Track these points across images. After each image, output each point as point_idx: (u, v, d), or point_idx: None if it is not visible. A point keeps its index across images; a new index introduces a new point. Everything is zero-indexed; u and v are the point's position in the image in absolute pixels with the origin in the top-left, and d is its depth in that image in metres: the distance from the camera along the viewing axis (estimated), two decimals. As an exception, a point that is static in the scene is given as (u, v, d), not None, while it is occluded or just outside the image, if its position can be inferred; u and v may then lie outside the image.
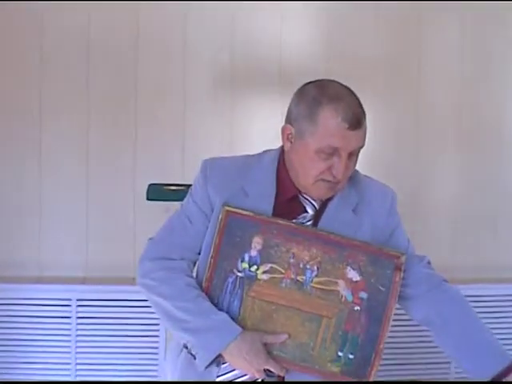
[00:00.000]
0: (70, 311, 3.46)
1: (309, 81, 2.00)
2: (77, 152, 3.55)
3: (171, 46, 3.58)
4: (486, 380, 1.92)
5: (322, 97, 1.88)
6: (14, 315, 3.55)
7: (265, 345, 1.89)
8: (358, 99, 1.92)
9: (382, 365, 1.98)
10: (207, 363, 1.87)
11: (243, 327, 1.89)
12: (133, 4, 3.47)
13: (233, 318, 1.90)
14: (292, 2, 3.56)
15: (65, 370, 3.55)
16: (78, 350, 3.51)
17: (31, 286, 3.50)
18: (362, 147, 1.93)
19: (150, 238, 2.07)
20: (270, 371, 1.91)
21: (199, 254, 2.02)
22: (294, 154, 1.95)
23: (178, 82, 3.61)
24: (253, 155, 2.09)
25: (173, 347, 2.12)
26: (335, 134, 1.86)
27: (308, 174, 1.92)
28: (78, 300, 3.45)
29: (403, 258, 1.95)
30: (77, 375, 3.54)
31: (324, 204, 2.01)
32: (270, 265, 1.92)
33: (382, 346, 1.93)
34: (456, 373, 3.58)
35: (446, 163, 3.78)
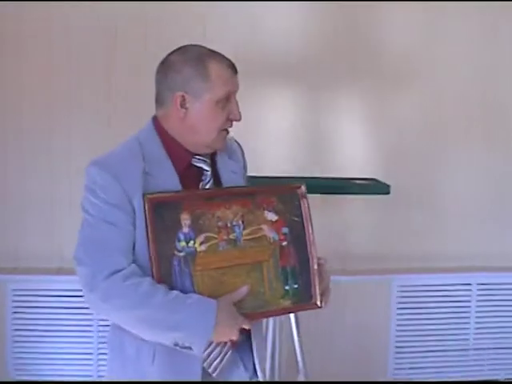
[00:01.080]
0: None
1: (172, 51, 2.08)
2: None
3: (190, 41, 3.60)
4: None
5: (201, 56, 2.03)
6: (36, 306, 3.61)
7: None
8: None
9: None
10: (204, 347, 1.92)
11: None
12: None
13: None
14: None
15: (86, 359, 3.61)
16: (100, 340, 3.56)
17: (53, 277, 3.56)
18: None
19: (79, 265, 1.96)
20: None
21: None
22: (193, 116, 2.02)
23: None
24: (127, 141, 2.08)
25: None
26: (228, 80, 2.03)
27: (212, 128, 2.04)
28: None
29: (303, 188, 2.15)
30: (99, 365, 3.60)
31: (211, 160, 2.14)
32: (203, 235, 1.99)
33: (315, 266, 2.13)
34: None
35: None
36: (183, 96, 2.00)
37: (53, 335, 3.61)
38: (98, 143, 3.30)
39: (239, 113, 2.07)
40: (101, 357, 3.56)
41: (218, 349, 2.00)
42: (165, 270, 1.94)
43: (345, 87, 3.79)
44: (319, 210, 3.72)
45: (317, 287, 2.12)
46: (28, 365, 3.65)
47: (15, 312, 3.64)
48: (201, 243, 1.98)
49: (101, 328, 3.56)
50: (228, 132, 2.11)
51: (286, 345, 3.17)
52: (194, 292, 1.95)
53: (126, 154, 2.03)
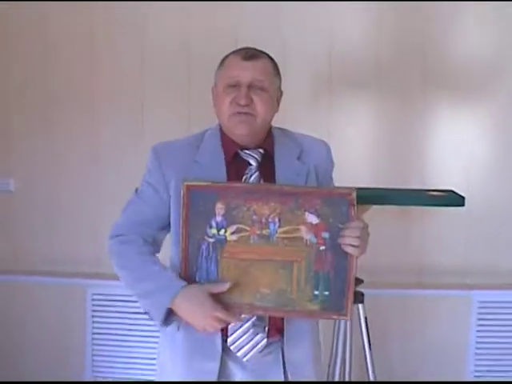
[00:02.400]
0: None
1: None
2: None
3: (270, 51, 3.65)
4: None
5: (230, 53, 2.20)
6: (116, 310, 3.69)
7: (214, 295, 2.03)
8: (260, 51, 2.21)
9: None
10: (160, 321, 2.06)
11: None
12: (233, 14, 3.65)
13: (213, 281, 2.05)
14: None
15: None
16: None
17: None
18: (264, 82, 2.15)
19: (116, 221, 2.26)
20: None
21: (161, 228, 2.20)
22: (217, 104, 2.20)
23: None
24: (196, 134, 2.28)
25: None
26: (232, 65, 2.15)
27: (223, 113, 2.16)
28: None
29: (354, 194, 2.06)
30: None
31: (267, 157, 2.20)
32: (235, 226, 2.05)
33: (352, 277, 2.07)
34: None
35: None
36: (213, 88, 2.22)
37: (131, 340, 3.68)
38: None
39: (243, 97, 2.10)
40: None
41: (248, 335, 2.13)
42: (192, 251, 2.06)
43: (425, 98, 3.71)
44: (396, 222, 3.71)
45: (350, 299, 2.07)
46: (105, 367, 3.74)
47: (95, 316, 3.74)
48: (232, 233, 2.05)
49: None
50: (242, 116, 2.12)
51: (356, 355, 3.15)
52: (218, 276, 2.05)
53: (182, 144, 2.23)
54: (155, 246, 2.22)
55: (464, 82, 3.68)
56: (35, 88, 3.89)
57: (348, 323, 3.05)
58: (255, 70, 2.13)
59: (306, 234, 2.05)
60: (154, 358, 3.61)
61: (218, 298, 2.03)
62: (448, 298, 3.69)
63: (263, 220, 2.04)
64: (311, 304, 2.06)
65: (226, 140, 2.20)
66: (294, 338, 2.18)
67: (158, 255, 2.21)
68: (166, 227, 2.20)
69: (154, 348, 3.66)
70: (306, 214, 2.05)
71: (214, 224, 2.05)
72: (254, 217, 2.04)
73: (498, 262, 3.73)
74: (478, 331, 3.69)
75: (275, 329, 2.17)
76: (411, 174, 3.73)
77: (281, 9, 3.68)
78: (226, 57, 2.19)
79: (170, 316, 2.06)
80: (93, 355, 3.77)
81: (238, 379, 2.17)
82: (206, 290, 2.02)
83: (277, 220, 2.04)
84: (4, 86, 3.91)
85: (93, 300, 3.74)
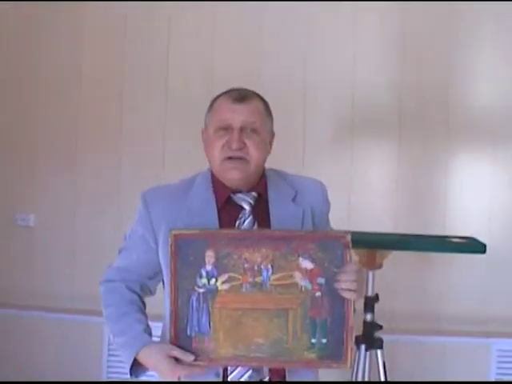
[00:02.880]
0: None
1: None
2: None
3: (291, 90, 3.67)
4: None
5: (220, 94, 2.14)
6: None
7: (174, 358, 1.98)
8: (252, 91, 2.15)
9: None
10: (129, 372, 2.05)
11: (216, 340, 1.99)
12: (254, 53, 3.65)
13: (204, 333, 1.99)
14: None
15: None
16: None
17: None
18: (256, 124, 2.08)
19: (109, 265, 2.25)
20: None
21: (151, 277, 2.17)
22: (208, 148, 2.13)
23: (299, 126, 3.69)
24: (187, 178, 2.22)
25: None
26: (222, 108, 2.09)
27: (214, 158, 2.09)
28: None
29: (348, 237, 1.99)
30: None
31: (261, 200, 2.13)
32: (227, 274, 1.98)
33: (350, 323, 1.99)
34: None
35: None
36: (202, 131, 2.18)
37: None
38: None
39: (235, 140, 2.04)
40: None
41: None
42: (182, 303, 1.99)
43: (447, 145, 3.72)
44: (415, 268, 3.69)
45: (349, 346, 1.99)
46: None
47: (110, 361, 3.80)
48: (223, 282, 1.98)
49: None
50: (234, 161, 2.06)
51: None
52: (210, 328, 1.98)
53: (172, 190, 2.18)
54: (145, 293, 2.19)
55: (486, 129, 3.69)
56: (61, 126, 3.96)
57: (367, 369, 3.02)
58: (247, 112, 2.07)
59: (300, 280, 1.98)
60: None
61: (209, 351, 1.98)
62: (467, 345, 3.64)
63: (255, 267, 1.98)
64: (308, 353, 1.98)
65: (217, 184, 2.14)
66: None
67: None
68: (157, 275, 2.15)
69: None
70: (300, 259, 1.98)
71: (204, 273, 1.98)
72: (246, 264, 1.97)
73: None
74: (497, 380, 3.64)
75: (276, 377, 2.07)
76: (432, 220, 3.72)
77: (305, 51, 3.72)
78: (216, 99, 2.13)
79: (141, 368, 2.05)
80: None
81: None
82: (166, 352, 1.98)
83: (269, 267, 1.98)
84: (30, 122, 3.97)
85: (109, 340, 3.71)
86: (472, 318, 3.69)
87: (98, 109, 3.95)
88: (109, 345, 3.75)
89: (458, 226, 3.63)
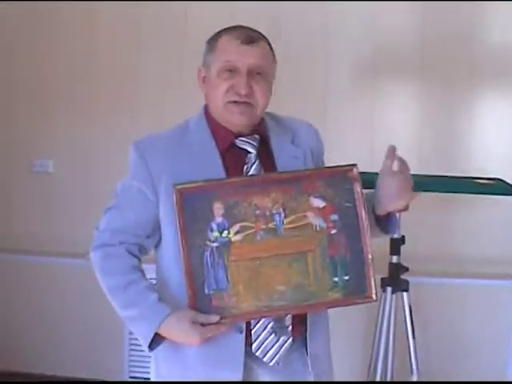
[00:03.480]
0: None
1: None
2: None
3: (312, 35, 3.62)
4: None
5: (221, 31, 2.00)
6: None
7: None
8: (258, 32, 2.02)
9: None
10: (147, 348, 1.94)
11: (236, 294, 1.90)
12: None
13: (223, 289, 1.90)
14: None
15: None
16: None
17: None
18: (264, 68, 1.98)
19: (96, 227, 2.06)
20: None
21: (149, 235, 2.02)
22: (209, 90, 2.00)
23: (320, 71, 3.64)
24: (178, 125, 2.09)
25: None
26: (229, 49, 1.95)
27: (217, 98, 1.96)
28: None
29: (356, 170, 1.95)
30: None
31: (263, 143, 2.04)
32: (238, 224, 1.90)
33: (369, 255, 1.94)
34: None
35: None
36: (202, 71, 2.02)
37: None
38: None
39: (243, 86, 1.93)
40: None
41: (272, 338, 1.97)
42: (196, 261, 1.89)
43: (471, 85, 3.65)
44: (439, 210, 3.66)
45: (371, 279, 1.93)
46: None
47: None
48: (236, 233, 1.89)
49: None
50: (240, 106, 1.96)
51: (400, 345, 3.12)
52: (229, 283, 1.89)
53: (166, 136, 2.05)
54: (142, 254, 2.05)
55: (510, 68, 3.62)
56: (77, 75, 3.94)
57: (393, 311, 3.01)
58: (255, 55, 1.95)
59: (314, 219, 1.92)
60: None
61: (230, 306, 1.90)
62: (490, 287, 3.62)
63: (267, 213, 1.90)
64: (333, 292, 1.92)
65: (217, 128, 2.02)
66: (315, 330, 2.05)
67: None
68: (155, 233, 2.02)
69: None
70: (311, 198, 1.92)
71: (214, 227, 1.89)
72: (257, 211, 1.90)
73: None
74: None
75: (298, 323, 2.02)
76: (457, 161, 3.67)
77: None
78: (219, 37, 1.99)
79: (156, 339, 1.93)
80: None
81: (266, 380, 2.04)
82: (190, 318, 1.88)
83: (281, 211, 1.91)
84: (46, 72, 3.96)
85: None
86: (496, 260, 3.65)
87: (113, 55, 3.89)
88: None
89: (483, 168, 3.57)
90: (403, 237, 2.98)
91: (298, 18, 3.63)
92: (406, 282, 2.98)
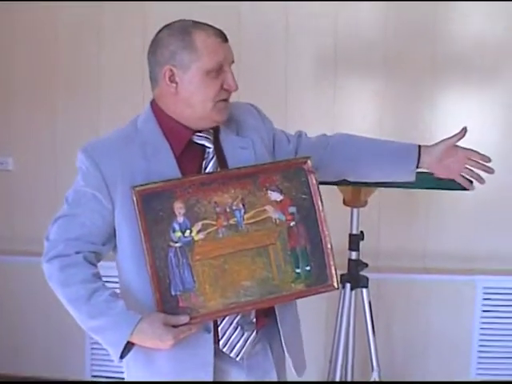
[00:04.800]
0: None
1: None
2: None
3: (274, 32, 3.60)
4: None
5: (186, 27, 1.94)
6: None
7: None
8: None
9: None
10: (118, 357, 1.88)
11: (203, 293, 1.90)
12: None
13: (190, 289, 1.89)
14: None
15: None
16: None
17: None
18: (233, 62, 2.00)
19: (45, 237, 1.99)
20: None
21: (105, 243, 1.97)
22: (186, 88, 1.94)
23: (281, 64, 3.61)
24: (125, 126, 2.05)
25: None
26: (216, 49, 1.93)
27: (206, 99, 1.94)
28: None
29: (310, 162, 2.00)
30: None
31: (215, 138, 2.04)
32: (200, 223, 1.91)
33: (328, 245, 1.99)
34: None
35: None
36: (171, 69, 1.93)
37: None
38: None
39: (234, 82, 1.95)
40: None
41: (237, 333, 1.99)
42: (160, 263, 1.88)
43: (434, 81, 3.63)
44: (401, 206, 3.65)
45: (332, 267, 1.99)
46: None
47: None
48: (198, 231, 1.90)
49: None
50: (227, 102, 1.99)
51: (358, 342, 3.11)
52: (195, 283, 1.89)
53: (116, 139, 2.00)
54: (98, 262, 2.00)
55: (473, 64, 3.59)
56: (39, 69, 3.87)
57: (352, 308, 3.00)
58: (231, 50, 1.99)
59: (273, 213, 1.96)
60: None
61: (198, 306, 1.90)
62: (452, 283, 3.63)
63: (227, 209, 1.93)
64: (296, 284, 1.97)
65: (169, 126, 1.99)
66: (283, 316, 2.07)
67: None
68: (111, 240, 1.98)
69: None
70: (269, 192, 1.97)
71: (176, 227, 1.89)
72: (218, 208, 1.92)
73: (503, 247, 3.67)
74: (482, 317, 3.63)
75: (262, 315, 2.05)
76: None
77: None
78: (192, 34, 1.93)
79: (127, 346, 1.88)
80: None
81: (233, 377, 2.06)
82: (162, 320, 1.85)
83: (241, 206, 1.94)
84: (4, 68, 3.89)
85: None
86: (458, 256, 3.67)
87: (74, 50, 3.83)
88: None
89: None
90: (362, 233, 2.97)
91: (259, 12, 3.60)
92: (366, 279, 2.97)
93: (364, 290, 2.97)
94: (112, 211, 1.94)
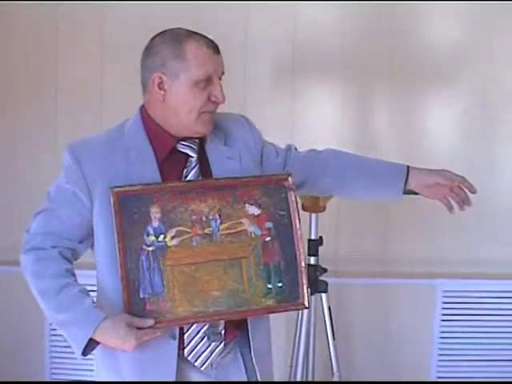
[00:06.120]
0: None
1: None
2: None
3: (233, 37, 3.60)
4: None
5: (179, 36, 1.97)
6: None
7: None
8: None
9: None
10: (80, 354, 1.90)
11: (171, 299, 1.92)
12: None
13: (158, 294, 1.91)
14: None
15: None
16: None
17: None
18: (223, 74, 2.03)
19: (26, 230, 2.04)
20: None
21: (82, 240, 2.01)
22: (173, 97, 1.97)
23: (239, 70, 3.61)
24: (114, 128, 2.08)
25: None
26: (206, 60, 1.95)
27: (192, 109, 1.96)
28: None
29: (291, 179, 2.02)
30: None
31: (200, 147, 2.06)
32: (175, 229, 1.92)
33: (303, 263, 2.00)
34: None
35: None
36: (160, 77, 1.96)
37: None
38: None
39: (222, 95, 1.97)
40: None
41: (204, 343, 1.99)
42: (131, 265, 1.89)
43: (391, 85, 3.66)
44: (360, 210, 3.66)
45: (305, 286, 1.99)
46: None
47: None
48: (172, 237, 1.92)
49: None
50: (211, 114, 2.01)
51: (319, 347, 3.12)
52: (164, 287, 1.90)
53: (102, 140, 2.03)
54: (74, 259, 2.03)
55: (431, 68, 3.62)
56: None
57: (312, 313, 3.01)
58: (222, 62, 2.01)
59: (249, 226, 1.97)
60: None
61: (165, 311, 1.91)
62: (412, 287, 3.65)
63: (203, 218, 1.94)
64: (266, 299, 1.97)
65: (157, 133, 2.01)
66: (255, 329, 2.08)
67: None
68: (88, 239, 2.01)
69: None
70: (247, 205, 1.98)
71: (151, 230, 1.91)
72: (194, 216, 1.93)
73: (463, 250, 3.70)
74: (442, 320, 3.66)
75: (232, 327, 2.06)
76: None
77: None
78: (183, 42, 1.95)
79: (91, 344, 1.90)
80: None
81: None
82: (126, 321, 1.87)
83: (217, 217, 1.95)
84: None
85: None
86: (417, 260, 3.70)
87: (32, 57, 3.77)
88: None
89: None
90: (321, 238, 2.99)
91: (218, 15, 3.58)
92: (325, 284, 2.99)
93: (323, 295, 2.98)
94: (91, 210, 1.96)
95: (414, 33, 3.65)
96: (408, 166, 2.19)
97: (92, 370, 3.44)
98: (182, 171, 2.01)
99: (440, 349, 3.68)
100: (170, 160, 2.01)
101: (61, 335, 2.10)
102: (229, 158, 2.07)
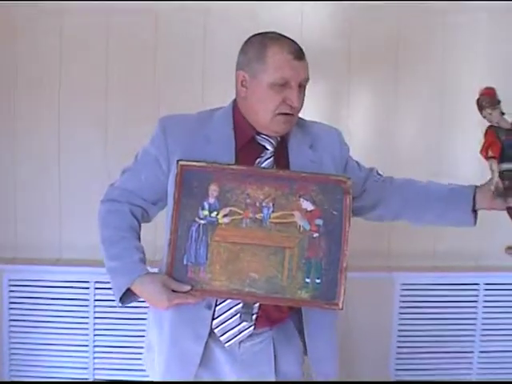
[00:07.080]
0: (88, 293, 3.50)
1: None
2: (97, 137, 3.64)
3: (192, 40, 3.59)
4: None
5: (266, 39, 2.08)
6: (33, 296, 3.57)
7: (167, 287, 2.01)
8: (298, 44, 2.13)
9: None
10: (118, 301, 2.07)
11: (212, 271, 2.01)
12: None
13: (200, 264, 2.01)
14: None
15: (82, 351, 3.57)
16: (96, 332, 3.53)
17: (50, 267, 3.52)
18: (307, 80, 2.10)
19: (111, 184, 2.24)
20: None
21: (155, 202, 2.19)
22: (251, 95, 2.09)
23: (198, 72, 3.61)
24: (205, 110, 2.23)
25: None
26: (284, 65, 2.03)
27: (267, 110, 2.06)
28: (96, 282, 3.50)
29: (349, 182, 2.06)
30: (94, 357, 3.56)
31: (281, 145, 2.15)
32: (228, 208, 2.01)
33: (345, 264, 2.04)
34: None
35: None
36: (244, 75, 2.10)
37: (49, 326, 3.54)
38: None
39: (297, 100, 2.05)
40: (97, 349, 3.53)
41: (234, 321, 2.08)
42: (182, 233, 2.01)
43: (359, 78, 3.72)
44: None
45: (342, 287, 2.03)
46: (24, 355, 3.61)
47: (12, 302, 3.55)
48: (224, 215, 2.01)
49: (97, 320, 3.52)
50: (288, 116, 2.08)
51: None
52: (207, 259, 2.00)
53: (191, 118, 2.19)
54: (143, 219, 2.21)
55: (388, 59, 3.66)
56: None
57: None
58: (304, 70, 2.08)
59: (299, 220, 2.02)
60: (76, 345, 3.56)
61: (203, 282, 2.01)
62: (370, 280, 3.67)
63: (257, 204, 2.01)
64: (302, 292, 2.02)
65: (241, 123, 2.15)
66: (314, 332, 2.16)
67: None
68: (161, 202, 2.18)
69: (75, 334, 3.56)
70: (301, 200, 2.03)
71: (206, 206, 2.02)
72: (248, 200, 2.01)
73: (420, 243, 3.75)
74: (400, 313, 3.69)
75: (266, 318, 2.12)
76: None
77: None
78: (267, 46, 2.06)
79: (130, 296, 2.06)
80: (10, 343, 3.62)
81: (221, 364, 2.14)
82: (163, 281, 2.00)
83: (271, 205, 2.02)
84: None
85: (10, 286, 3.54)
86: (375, 253, 3.71)
87: (35, 62, 3.71)
88: (10, 295, 3.62)
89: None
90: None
91: (179, 12, 3.58)
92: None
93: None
94: (167, 176, 2.12)
95: (371, 24, 3.65)
96: (476, 186, 2.23)
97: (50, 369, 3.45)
98: (256, 160, 2.11)
99: (398, 341, 3.70)
100: (247, 149, 2.12)
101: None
102: (311, 161, 2.15)
